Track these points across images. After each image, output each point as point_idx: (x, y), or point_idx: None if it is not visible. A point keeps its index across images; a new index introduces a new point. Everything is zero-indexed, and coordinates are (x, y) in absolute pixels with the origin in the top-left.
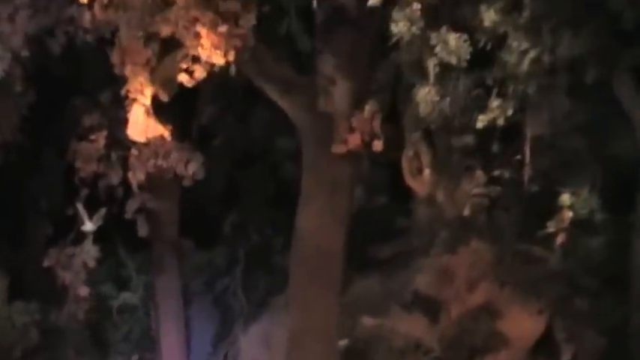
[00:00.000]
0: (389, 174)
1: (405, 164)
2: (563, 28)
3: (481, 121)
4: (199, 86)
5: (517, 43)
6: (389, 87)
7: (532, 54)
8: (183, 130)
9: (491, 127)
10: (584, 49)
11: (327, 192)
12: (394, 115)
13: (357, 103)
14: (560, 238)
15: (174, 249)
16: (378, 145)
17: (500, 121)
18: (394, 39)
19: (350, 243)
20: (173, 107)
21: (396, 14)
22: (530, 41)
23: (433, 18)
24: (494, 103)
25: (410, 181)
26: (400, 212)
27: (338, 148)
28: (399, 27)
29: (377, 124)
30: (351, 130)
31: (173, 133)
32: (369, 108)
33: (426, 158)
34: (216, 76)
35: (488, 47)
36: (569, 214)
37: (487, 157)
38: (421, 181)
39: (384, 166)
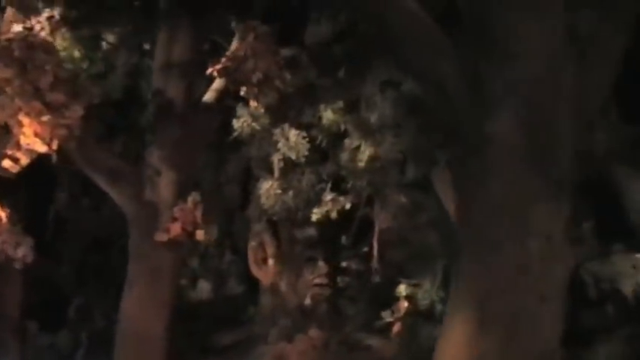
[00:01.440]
0: (246, 263)
1: (250, 254)
2: (385, 129)
3: (315, 214)
4: (54, 171)
5: (350, 140)
6: (238, 180)
7: (366, 151)
8: (21, 213)
9: (340, 218)
10: (404, 148)
11: (149, 278)
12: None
13: (181, 194)
14: (396, 328)
15: (17, 330)
16: (200, 235)
17: (334, 214)
18: (235, 134)
19: (192, 330)
20: (19, 190)
21: (240, 110)
22: (363, 139)
23: (278, 115)
24: (328, 197)
25: (255, 271)
26: (252, 301)
27: (160, 237)
28: (240, 123)
29: (199, 214)
30: (174, 219)
31: (10, 216)
32: (191, 198)
33: (270, 249)
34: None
35: (324, 144)
36: (406, 304)
37: (333, 248)
38: (265, 270)
39: (243, 255)
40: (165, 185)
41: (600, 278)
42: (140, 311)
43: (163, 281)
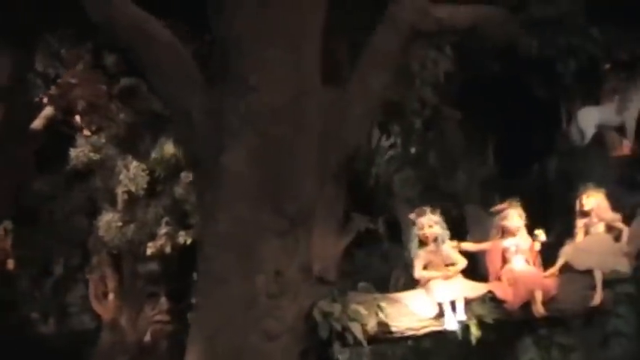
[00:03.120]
0: None
1: (90, 288)
2: None
3: (149, 249)
4: None
5: (186, 174)
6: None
7: None
8: None
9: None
10: None
11: None
12: None
13: None
14: None
15: None
16: (11, 264)
17: (168, 249)
18: (71, 164)
19: None
20: None
21: (79, 140)
22: None
23: (122, 145)
24: (163, 230)
25: (95, 306)
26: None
27: None
28: (76, 152)
29: (9, 243)
30: None
31: None
32: (3, 227)
33: (111, 283)
34: None
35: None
36: None
37: (178, 283)
38: (106, 305)
39: None
40: None
41: (334, 318)
42: None
43: None
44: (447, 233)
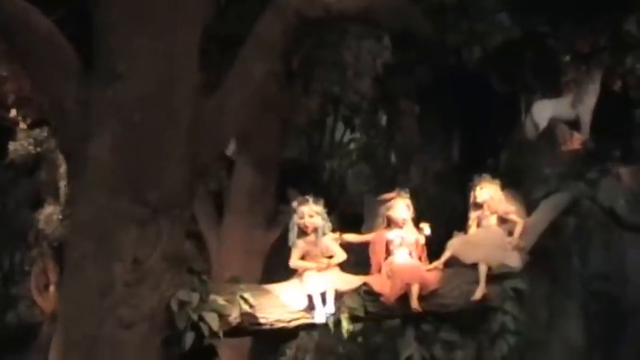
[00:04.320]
0: None
1: (32, 280)
2: None
3: None
4: None
5: None
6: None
7: None
8: None
9: None
10: None
11: None
12: None
13: None
14: None
15: None
16: None
17: None
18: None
19: None
20: None
21: (20, 133)
22: None
23: None
24: None
25: (37, 298)
26: None
27: None
28: (15, 146)
29: None
30: None
31: None
32: None
33: (52, 275)
34: None
35: None
36: None
37: None
38: (46, 297)
39: None
40: None
41: (191, 308)
42: None
43: None
44: (328, 225)
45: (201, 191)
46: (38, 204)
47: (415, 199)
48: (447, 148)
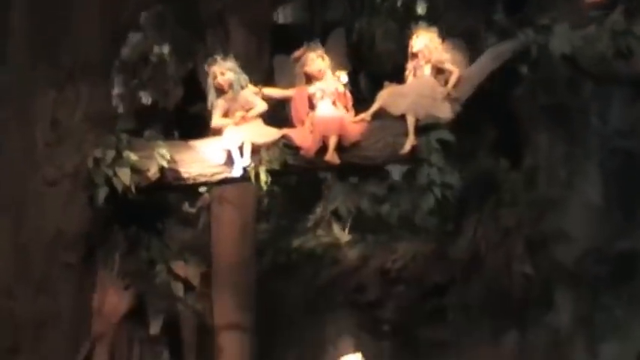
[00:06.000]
0: None
1: None
2: None
3: None
4: None
5: None
6: None
7: None
8: None
9: None
10: None
11: None
12: None
13: None
14: None
15: None
16: None
17: None
18: None
19: None
20: None
21: None
22: None
23: None
24: None
25: None
26: None
27: None
28: None
29: None
30: None
31: None
32: None
33: None
34: None
35: None
36: None
37: None
38: None
39: None
40: None
41: (105, 164)
42: None
43: None
44: (244, 77)
45: None
46: None
47: None
48: None
